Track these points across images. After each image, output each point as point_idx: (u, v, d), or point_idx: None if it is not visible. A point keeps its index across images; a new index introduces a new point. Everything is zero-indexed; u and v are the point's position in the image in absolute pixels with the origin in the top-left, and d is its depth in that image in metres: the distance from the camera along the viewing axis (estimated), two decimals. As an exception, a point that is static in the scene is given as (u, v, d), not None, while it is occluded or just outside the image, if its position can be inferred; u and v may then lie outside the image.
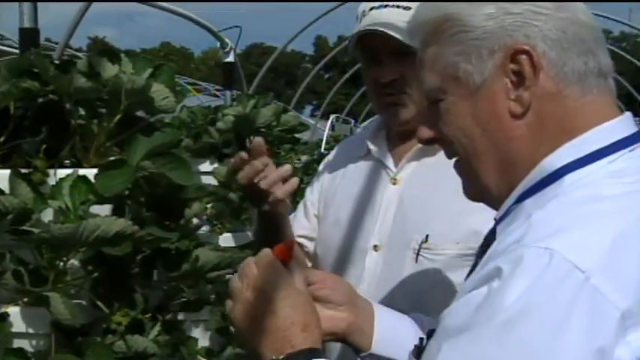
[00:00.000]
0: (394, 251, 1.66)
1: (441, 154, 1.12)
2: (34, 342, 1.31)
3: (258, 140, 1.67)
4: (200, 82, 18.59)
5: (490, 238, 1.04)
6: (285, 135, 2.61)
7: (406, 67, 1.59)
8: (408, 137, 1.71)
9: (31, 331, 1.31)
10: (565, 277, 0.80)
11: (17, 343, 1.30)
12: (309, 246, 1.86)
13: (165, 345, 1.43)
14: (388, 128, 1.81)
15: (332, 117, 11.76)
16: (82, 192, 1.34)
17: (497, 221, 1.03)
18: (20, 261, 1.29)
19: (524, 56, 0.96)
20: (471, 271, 1.08)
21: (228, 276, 2.33)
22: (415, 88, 1.60)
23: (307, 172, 3.18)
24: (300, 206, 1.95)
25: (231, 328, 1.17)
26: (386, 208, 1.70)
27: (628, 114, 1.01)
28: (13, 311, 1.30)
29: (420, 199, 1.66)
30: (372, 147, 1.80)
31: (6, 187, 1.30)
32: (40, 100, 1.41)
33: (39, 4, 2.29)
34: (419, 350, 1.15)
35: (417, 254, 1.62)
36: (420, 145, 1.65)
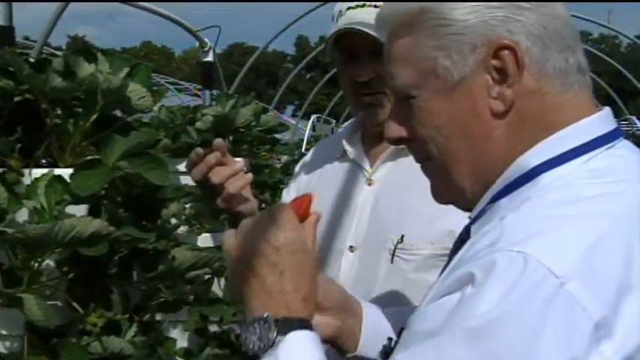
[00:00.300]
0: (370, 252, 1.66)
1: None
2: (7, 344, 1.30)
3: (219, 141, 1.66)
4: (181, 82, 18.51)
5: (464, 237, 1.01)
6: (265, 135, 2.61)
7: (384, 67, 1.59)
8: (383, 138, 1.71)
9: (4, 332, 1.29)
10: (539, 283, 0.77)
11: (-10, 345, 1.29)
12: (286, 247, 1.86)
13: (142, 346, 1.42)
14: (364, 129, 1.80)
15: (313, 117, 11.76)
16: (57, 192, 1.33)
17: (472, 221, 0.99)
18: (-6, 262, 1.28)
19: (507, 52, 0.91)
20: (443, 271, 1.04)
21: (206, 276, 2.34)
22: None
23: (287, 173, 3.18)
24: (277, 208, 1.95)
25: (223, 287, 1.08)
26: (361, 209, 1.70)
27: (607, 109, 0.97)
28: (-14, 313, 1.29)
29: (396, 200, 1.66)
30: (347, 148, 1.79)
31: (-20, 187, 1.28)
32: (15, 99, 1.40)
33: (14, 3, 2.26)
34: (386, 351, 1.12)
35: (393, 255, 1.62)
36: (394, 147, 1.65)
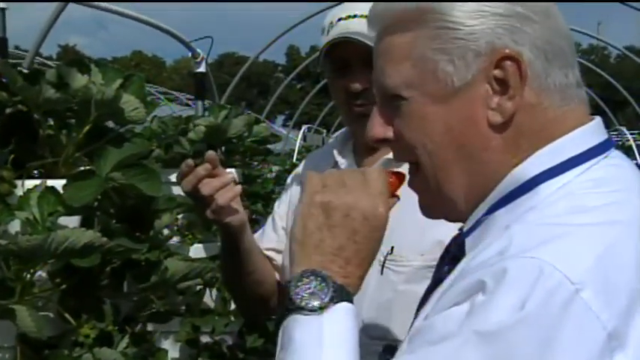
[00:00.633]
0: None
1: (407, 165, 1.02)
2: (-1, 355, 1.30)
3: (211, 153, 1.66)
4: (172, 92, 18.49)
5: (456, 251, 0.98)
6: (257, 146, 2.61)
7: None
8: (375, 149, 1.71)
9: (-4, 344, 1.29)
10: (555, 289, 0.75)
11: (-18, 357, 1.28)
12: (277, 259, 1.86)
13: (134, 357, 1.42)
14: (355, 140, 1.81)
15: (304, 127, 11.77)
16: (50, 203, 1.33)
17: (465, 234, 0.95)
18: (-14, 273, 1.28)
19: (509, 63, 0.88)
20: (433, 283, 1.03)
21: (198, 287, 2.34)
22: None
23: (279, 183, 3.19)
24: (269, 220, 1.95)
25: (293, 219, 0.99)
26: None
27: (598, 119, 0.95)
28: (-22, 324, 1.29)
29: None
30: (339, 159, 1.80)
31: (-28, 198, 1.28)
32: (8, 110, 1.40)
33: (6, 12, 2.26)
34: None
35: (383, 266, 1.61)
36: (386, 157, 1.65)
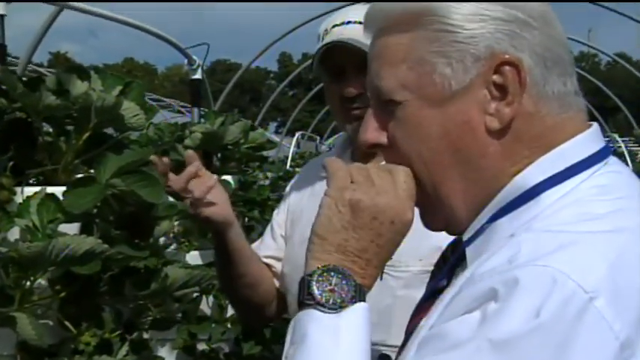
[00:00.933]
0: None
1: None
2: (-1, 363, 1.29)
3: (190, 152, 1.66)
4: (164, 99, 18.48)
5: (455, 260, 0.97)
6: (253, 152, 2.61)
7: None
8: (373, 155, 1.71)
9: (-4, 352, 1.28)
10: (570, 298, 0.74)
11: (-19, 365, 1.28)
12: (277, 266, 1.86)
13: (134, 365, 1.41)
14: (354, 147, 1.81)
15: (298, 134, 11.77)
16: (50, 210, 1.32)
17: (466, 243, 0.93)
18: (-15, 281, 1.27)
19: (508, 68, 0.86)
20: (429, 292, 1.02)
21: (195, 294, 2.33)
22: None
23: (273, 190, 3.19)
24: (268, 228, 1.95)
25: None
26: None
27: (596, 125, 0.94)
28: (-22, 332, 1.28)
29: None
30: (337, 166, 1.80)
31: (-28, 206, 1.28)
32: (7, 117, 1.39)
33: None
34: None
35: (382, 271, 1.62)
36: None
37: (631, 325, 0.74)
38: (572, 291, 0.74)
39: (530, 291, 0.74)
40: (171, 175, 1.61)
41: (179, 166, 2.04)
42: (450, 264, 0.99)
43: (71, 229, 1.35)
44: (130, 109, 1.38)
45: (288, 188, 1.97)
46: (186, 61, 3.34)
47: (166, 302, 2.00)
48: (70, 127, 1.45)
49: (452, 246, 1.04)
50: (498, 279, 0.77)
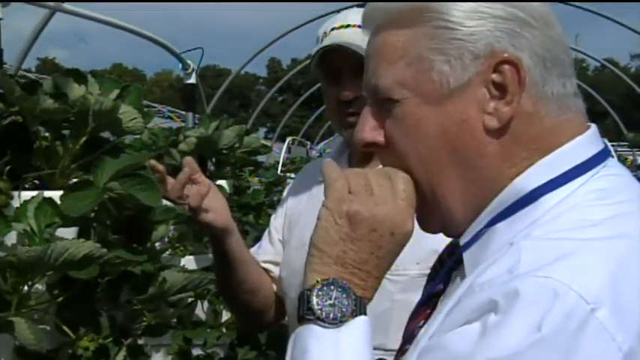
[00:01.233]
0: None
1: None
2: (-3, 368, 1.28)
3: (188, 159, 1.66)
4: (154, 104, 18.43)
5: (453, 264, 0.96)
6: (248, 157, 2.60)
7: None
8: (370, 159, 1.71)
9: (-7, 357, 1.27)
10: (572, 310, 0.72)
11: (-21, 371, 1.27)
12: (275, 270, 1.85)
13: (131, 370, 1.40)
14: (350, 150, 1.81)
15: (288, 139, 11.77)
16: (47, 214, 1.31)
17: (463, 247, 0.91)
18: (-18, 286, 1.26)
19: (508, 67, 0.85)
20: (425, 297, 1.01)
21: (190, 299, 2.32)
22: None
23: (266, 195, 3.18)
24: (266, 233, 1.94)
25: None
26: None
27: (594, 127, 0.92)
28: (-25, 338, 1.27)
29: None
30: (334, 171, 1.80)
31: (-31, 210, 1.27)
32: (4, 121, 1.39)
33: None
34: None
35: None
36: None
37: (634, 336, 0.72)
38: (574, 303, 0.72)
39: (531, 304, 0.73)
40: (170, 179, 1.61)
41: (174, 171, 2.03)
42: (447, 267, 0.98)
43: (68, 233, 1.34)
44: (127, 112, 1.38)
45: (285, 192, 1.97)
46: (180, 65, 3.33)
47: (161, 307, 1.99)
48: (65, 132, 1.44)
49: (449, 249, 1.03)
50: (498, 290, 0.76)
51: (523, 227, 0.84)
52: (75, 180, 1.39)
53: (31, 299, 1.31)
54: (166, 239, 2.30)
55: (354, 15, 1.68)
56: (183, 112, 3.82)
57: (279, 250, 1.86)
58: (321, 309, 0.87)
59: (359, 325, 0.88)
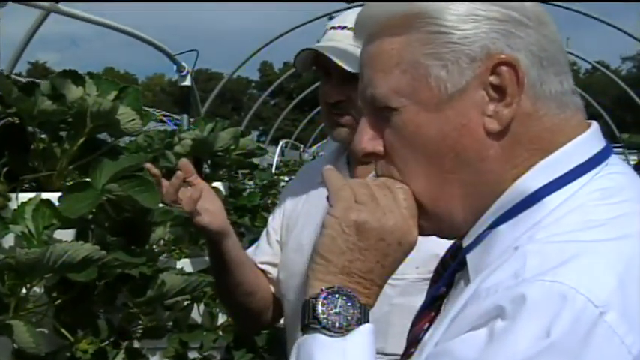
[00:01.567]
0: None
1: None
2: (-5, 372, 1.27)
3: (184, 161, 1.65)
4: (146, 108, 18.37)
5: (456, 266, 0.95)
6: (244, 159, 2.60)
7: (354, 90, 1.60)
8: (351, 151, 1.71)
9: (-9, 360, 1.26)
10: (580, 314, 0.71)
11: (-23, 374, 1.26)
12: (273, 272, 1.85)
13: (129, 373, 1.40)
14: (349, 153, 1.81)
15: (281, 142, 11.76)
16: (45, 216, 1.31)
17: (466, 249, 0.90)
18: (-21, 288, 1.25)
19: (505, 68, 0.84)
20: (429, 299, 1.01)
21: (186, 302, 2.31)
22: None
23: (262, 197, 3.18)
24: (263, 234, 1.94)
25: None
26: None
27: (595, 125, 0.92)
28: (-28, 341, 1.26)
29: None
30: (332, 172, 1.80)
31: (-34, 212, 1.26)
32: (1, 122, 1.38)
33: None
34: None
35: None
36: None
37: None
38: (582, 306, 0.71)
39: (538, 309, 0.72)
40: (165, 183, 1.60)
41: (170, 174, 2.03)
42: (451, 269, 0.97)
43: (66, 235, 1.34)
44: (126, 114, 1.37)
45: (282, 194, 1.97)
46: (175, 67, 3.32)
47: (157, 310, 1.98)
48: (63, 133, 1.43)
49: (452, 251, 1.02)
50: (504, 295, 0.75)
51: (526, 229, 0.83)
52: (72, 182, 1.38)
53: (30, 302, 1.30)
54: (162, 242, 2.29)
55: (353, 15, 1.67)
56: (174, 116, 3.81)
57: (276, 251, 1.85)
58: (326, 317, 0.87)
59: (364, 332, 0.88)
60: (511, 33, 0.86)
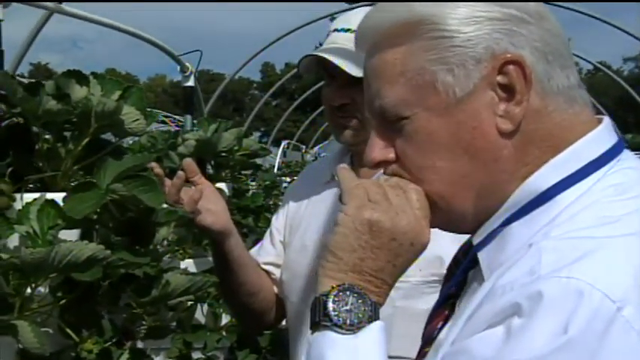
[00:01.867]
0: None
1: None
2: (0, 372, 1.27)
3: (188, 161, 1.65)
4: (148, 109, 18.38)
5: (468, 264, 0.95)
6: (247, 159, 2.60)
7: (359, 93, 1.60)
8: (363, 161, 1.71)
9: (-4, 361, 1.26)
10: (597, 310, 0.71)
11: (-19, 374, 1.25)
12: (276, 273, 1.85)
13: (134, 373, 1.39)
14: (352, 153, 1.81)
15: (283, 143, 11.77)
16: (50, 216, 1.30)
17: (478, 247, 0.91)
18: (-16, 288, 1.25)
19: (512, 67, 0.85)
20: (443, 298, 1.01)
21: (189, 303, 2.31)
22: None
23: (265, 197, 3.18)
24: (267, 234, 1.94)
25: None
26: None
27: (607, 119, 0.91)
28: (-23, 341, 1.25)
29: None
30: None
31: (-29, 212, 1.25)
32: (5, 122, 1.38)
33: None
34: None
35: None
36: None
37: None
38: (599, 302, 0.71)
39: (555, 306, 0.72)
40: (167, 182, 1.60)
41: (174, 174, 2.03)
42: (463, 267, 0.97)
43: (70, 235, 1.33)
44: (130, 113, 1.37)
45: (286, 194, 1.97)
46: (178, 68, 3.32)
47: (161, 311, 1.98)
48: (67, 133, 1.43)
49: (464, 249, 1.03)
50: (521, 292, 0.75)
51: (540, 227, 0.84)
52: (77, 182, 1.38)
53: (34, 302, 1.30)
54: (166, 242, 2.28)
55: (356, 16, 1.66)
56: (177, 117, 3.81)
57: (280, 252, 1.85)
58: (337, 315, 0.87)
59: (375, 330, 0.88)
60: (513, 31, 0.86)
